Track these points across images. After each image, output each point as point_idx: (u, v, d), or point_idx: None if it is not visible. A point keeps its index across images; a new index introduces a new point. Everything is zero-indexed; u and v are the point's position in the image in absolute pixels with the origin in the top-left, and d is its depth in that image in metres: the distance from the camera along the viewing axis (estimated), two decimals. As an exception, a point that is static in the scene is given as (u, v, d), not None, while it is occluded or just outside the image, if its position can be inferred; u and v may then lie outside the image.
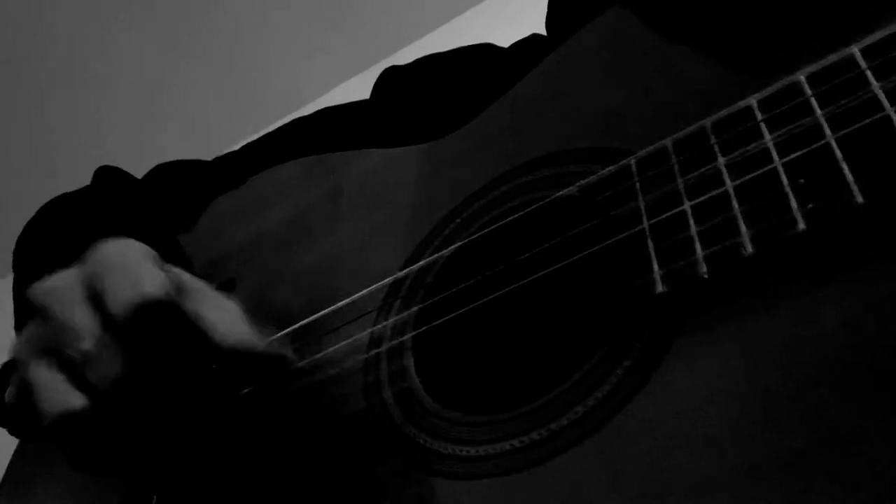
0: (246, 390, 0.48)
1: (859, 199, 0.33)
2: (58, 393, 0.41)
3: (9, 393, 0.45)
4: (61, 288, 0.43)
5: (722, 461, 0.32)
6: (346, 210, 0.59)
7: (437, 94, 0.66)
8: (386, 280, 0.51)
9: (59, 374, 0.41)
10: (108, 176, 0.77)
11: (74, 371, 0.41)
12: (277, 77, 2.02)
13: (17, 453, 0.65)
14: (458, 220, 0.51)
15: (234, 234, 0.65)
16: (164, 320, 0.41)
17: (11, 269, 0.73)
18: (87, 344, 0.40)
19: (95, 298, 0.41)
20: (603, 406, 0.37)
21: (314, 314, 0.53)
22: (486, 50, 0.71)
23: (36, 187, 2.03)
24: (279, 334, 0.52)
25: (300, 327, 0.53)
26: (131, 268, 0.41)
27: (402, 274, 0.51)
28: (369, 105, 0.75)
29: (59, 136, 2.01)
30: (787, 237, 0.34)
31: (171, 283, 0.41)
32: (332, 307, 0.52)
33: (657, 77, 0.46)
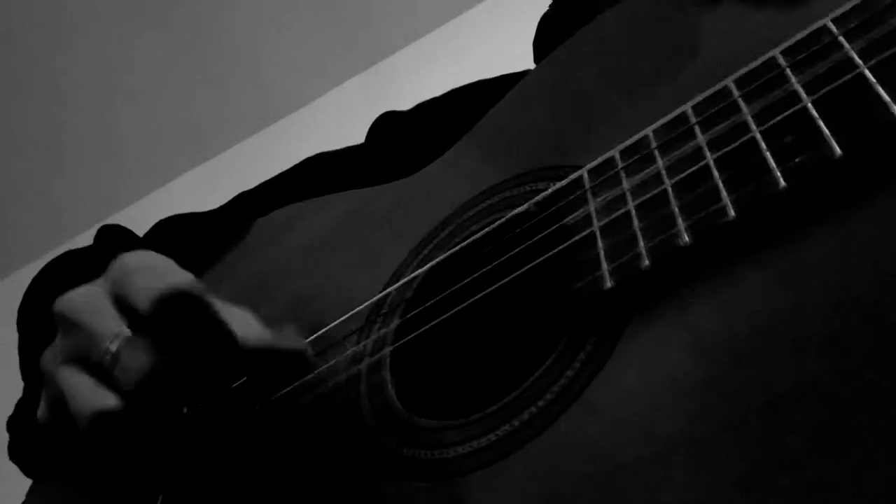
0: (267, 390, 0.50)
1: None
2: (90, 393, 0.42)
3: (41, 409, 0.46)
4: (86, 296, 0.44)
5: (670, 434, 0.34)
6: (334, 245, 0.62)
7: (430, 139, 0.68)
8: (367, 302, 0.55)
9: (89, 378, 0.43)
10: (110, 234, 0.79)
11: (104, 374, 0.42)
12: (277, 77, 2.05)
13: (31, 495, 0.67)
14: (435, 241, 0.54)
15: (232, 279, 0.69)
16: (190, 311, 0.42)
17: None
18: (114, 344, 0.42)
19: (121, 303, 0.43)
20: (560, 398, 0.40)
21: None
22: (476, 89, 0.74)
23: (38, 189, 2.08)
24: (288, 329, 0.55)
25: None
26: (156, 266, 0.43)
27: (381, 295, 0.54)
28: (364, 149, 0.78)
29: (58, 132, 2.04)
30: (719, 225, 0.37)
31: (195, 280, 0.42)
32: (318, 332, 0.56)
33: (606, 101, 0.50)
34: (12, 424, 0.71)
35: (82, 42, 1.92)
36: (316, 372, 0.54)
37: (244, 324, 0.45)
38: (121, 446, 0.43)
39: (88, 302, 0.44)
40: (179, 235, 0.77)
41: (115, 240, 0.79)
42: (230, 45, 1.99)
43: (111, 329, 0.42)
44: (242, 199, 0.78)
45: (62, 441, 0.46)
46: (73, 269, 0.76)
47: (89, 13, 1.88)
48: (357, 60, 2.02)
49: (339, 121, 1.88)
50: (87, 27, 1.90)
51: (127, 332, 0.42)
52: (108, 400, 0.42)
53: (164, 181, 2.15)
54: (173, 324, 0.42)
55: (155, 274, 0.42)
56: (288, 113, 2.12)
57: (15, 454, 0.70)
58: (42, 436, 0.47)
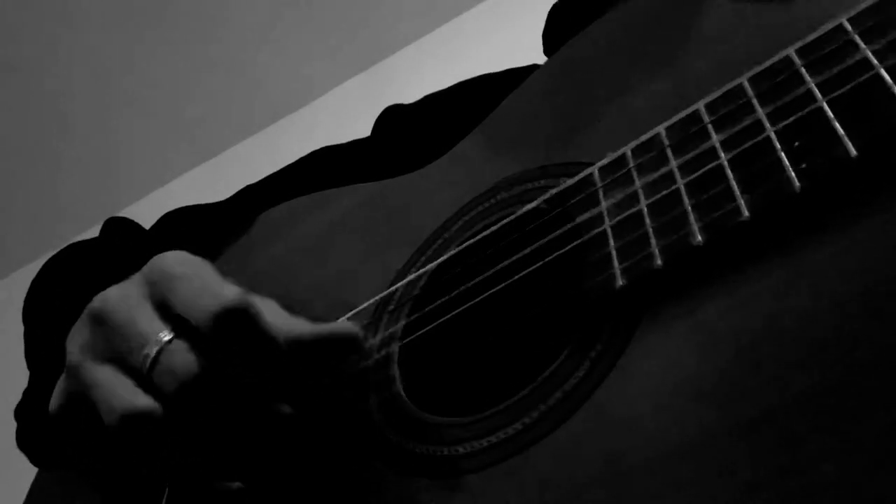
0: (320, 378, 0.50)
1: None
2: (125, 392, 0.42)
3: (54, 399, 0.46)
4: (125, 297, 0.44)
5: (679, 436, 0.34)
6: (339, 240, 0.62)
7: (436, 132, 0.68)
8: (375, 297, 0.54)
9: (126, 378, 0.42)
10: (116, 227, 0.79)
11: (141, 378, 0.42)
12: (277, 77, 2.05)
13: (36, 484, 0.68)
14: (443, 238, 0.54)
15: (238, 274, 0.68)
16: (243, 328, 0.42)
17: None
18: (154, 349, 0.41)
19: (163, 309, 0.43)
20: (570, 397, 0.40)
21: None
22: (483, 82, 0.74)
23: (38, 189, 2.08)
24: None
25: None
26: (204, 277, 0.42)
27: (389, 291, 0.54)
28: (369, 143, 0.77)
29: (58, 132, 2.04)
30: (732, 226, 0.37)
31: (243, 292, 0.42)
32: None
33: (617, 96, 0.49)
34: (20, 413, 0.70)
35: (83, 41, 1.92)
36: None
37: (282, 318, 0.46)
38: (148, 448, 0.43)
39: (128, 304, 0.44)
40: (185, 228, 0.76)
41: (122, 233, 0.78)
42: (231, 44, 1.99)
43: (153, 334, 0.42)
44: (248, 192, 0.78)
45: (76, 434, 0.45)
46: (82, 261, 0.75)
47: (90, 11, 1.87)
48: (357, 60, 2.03)
49: (340, 120, 1.88)
50: (87, 26, 1.90)
51: (168, 337, 0.42)
52: (144, 400, 0.41)
53: (164, 181, 2.15)
54: (227, 338, 0.42)
55: (208, 285, 0.42)
56: (288, 113, 2.12)
57: (23, 443, 0.70)
58: (51, 426, 0.47)
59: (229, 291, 0.42)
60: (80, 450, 0.47)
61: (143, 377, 0.42)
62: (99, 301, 0.45)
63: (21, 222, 2.09)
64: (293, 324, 0.46)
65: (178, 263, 0.44)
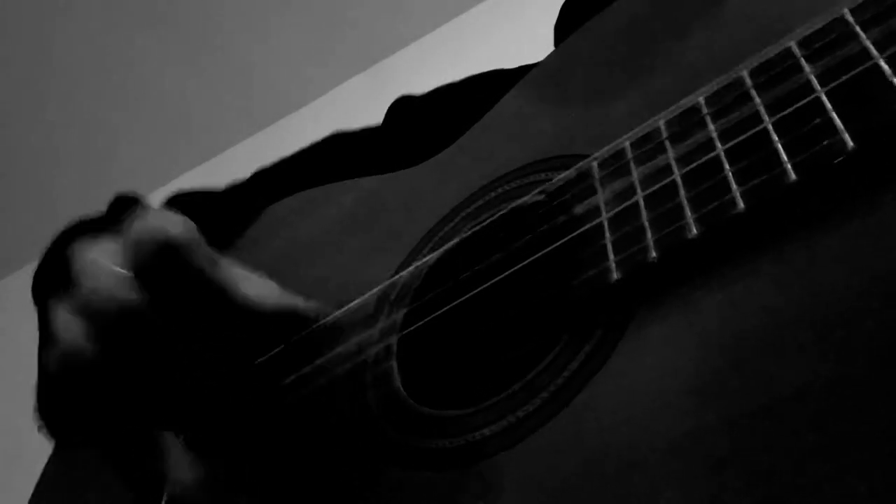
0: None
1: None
2: (68, 334, 0.41)
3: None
4: (95, 244, 0.44)
5: (673, 430, 0.34)
6: (343, 234, 0.62)
7: (447, 124, 0.68)
8: (376, 290, 0.54)
9: (76, 320, 0.42)
10: (123, 204, 0.79)
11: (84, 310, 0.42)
12: (277, 77, 2.05)
13: (51, 462, 0.68)
14: (445, 230, 0.54)
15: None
16: (182, 263, 0.42)
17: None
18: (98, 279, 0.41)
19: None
20: (563, 392, 0.39)
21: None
22: (495, 76, 0.74)
23: (38, 189, 2.08)
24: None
25: (297, 341, 0.56)
26: (157, 215, 0.43)
27: (390, 282, 0.54)
28: (381, 132, 0.78)
29: (57, 132, 2.05)
30: (727, 218, 0.37)
31: (193, 230, 0.42)
32: (326, 319, 0.56)
33: (617, 89, 0.49)
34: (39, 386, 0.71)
35: (83, 42, 1.93)
36: (323, 360, 0.53)
37: (262, 286, 0.46)
38: (86, 393, 0.42)
39: (96, 248, 0.44)
40: (193, 211, 0.76)
41: (128, 209, 0.78)
42: (231, 44, 1.99)
43: (102, 269, 0.42)
44: (260, 176, 0.78)
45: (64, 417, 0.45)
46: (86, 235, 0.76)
47: (90, 9, 1.88)
48: (358, 60, 2.03)
49: (340, 120, 1.87)
50: (87, 25, 1.90)
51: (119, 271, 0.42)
52: (79, 340, 0.41)
53: (164, 181, 2.15)
54: (163, 271, 0.41)
55: (156, 220, 0.42)
56: (288, 112, 2.12)
57: (43, 413, 0.70)
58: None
59: (173, 225, 0.42)
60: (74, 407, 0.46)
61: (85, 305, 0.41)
62: (72, 252, 0.45)
63: (21, 222, 2.09)
64: (260, 286, 0.46)
65: (144, 211, 0.44)
